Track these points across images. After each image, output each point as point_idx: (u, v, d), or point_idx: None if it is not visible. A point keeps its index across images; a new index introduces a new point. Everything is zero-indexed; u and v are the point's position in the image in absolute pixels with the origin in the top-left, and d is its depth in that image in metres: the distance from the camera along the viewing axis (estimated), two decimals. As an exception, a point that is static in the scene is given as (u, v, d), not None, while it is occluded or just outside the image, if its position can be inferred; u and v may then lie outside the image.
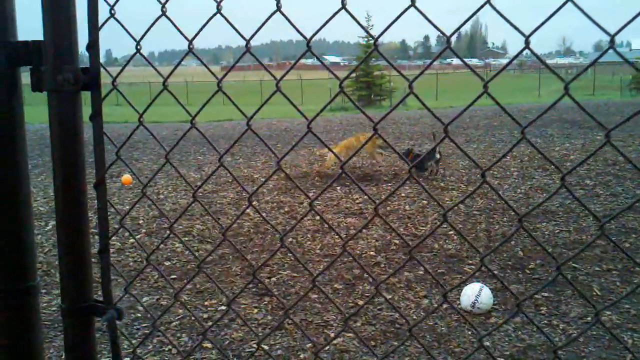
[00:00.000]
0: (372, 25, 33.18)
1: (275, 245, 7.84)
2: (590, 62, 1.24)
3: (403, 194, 10.38)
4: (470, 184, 11.09)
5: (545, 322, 5.46)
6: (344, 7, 1.23)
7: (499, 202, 9.75)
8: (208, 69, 1.81)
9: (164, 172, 12.94)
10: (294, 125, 22.18)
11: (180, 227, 8.75)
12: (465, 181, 11.34)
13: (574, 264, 6.87)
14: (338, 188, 10.95)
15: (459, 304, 5.79)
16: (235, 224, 8.74)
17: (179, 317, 5.81)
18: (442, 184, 11.20)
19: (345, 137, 17.01)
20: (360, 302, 5.94)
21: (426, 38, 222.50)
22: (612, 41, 1.05)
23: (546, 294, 6.07)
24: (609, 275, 6.60)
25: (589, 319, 5.49)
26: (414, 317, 5.67)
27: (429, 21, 1.21)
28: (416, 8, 1.14)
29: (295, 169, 13.03)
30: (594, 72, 44.04)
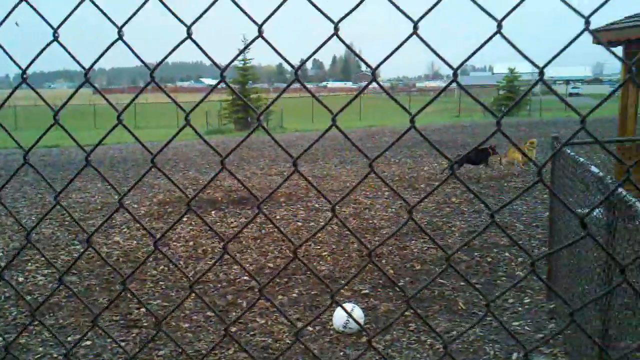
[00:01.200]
0: (249, 49, 33.26)
1: (146, 274, 7.59)
2: (438, 93, 1.28)
3: (278, 216, 10.40)
4: (344, 205, 11.28)
5: (414, 338, 5.61)
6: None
7: (371, 221, 9.98)
8: (42, 98, 1.72)
9: (28, 200, 12.26)
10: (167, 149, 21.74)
11: (42, 258, 8.28)
12: (340, 203, 11.52)
13: (440, 280, 7.12)
14: (213, 212, 10.80)
15: (332, 325, 5.84)
16: (104, 252, 8.38)
17: (38, 356, 5.46)
18: (316, 205, 11.32)
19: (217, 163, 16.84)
20: (234, 329, 5.85)
21: (302, 61, 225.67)
22: (455, 71, 1.08)
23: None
24: (472, 289, 6.89)
25: (455, 332, 5.69)
26: (287, 341, 5.65)
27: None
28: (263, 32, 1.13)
29: (170, 194, 12.73)
30: (460, 94, 46.37)
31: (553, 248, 6.69)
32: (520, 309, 6.21)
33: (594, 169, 4.63)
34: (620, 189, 3.74)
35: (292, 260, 1.52)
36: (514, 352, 5.20)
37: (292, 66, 1.13)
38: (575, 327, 4.82)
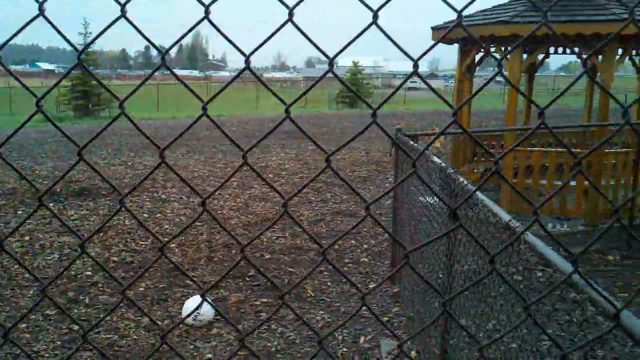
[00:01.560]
0: (90, 33, 31.71)
1: (-24, 272, 7.00)
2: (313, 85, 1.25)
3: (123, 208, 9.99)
4: (191, 195, 11.07)
5: (265, 327, 5.63)
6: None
7: (220, 212, 9.88)
8: None
9: None
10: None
11: None
12: (187, 192, 11.30)
13: (290, 269, 7.20)
14: (51, 204, 10.18)
15: (181, 317, 5.71)
16: None
17: None
18: (163, 195, 11.02)
19: (49, 151, 15.97)
20: (76, 327, 5.55)
21: (147, 48, 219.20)
22: (331, 63, 1.06)
23: (265, 300, 6.27)
24: (321, 277, 7.03)
25: (305, 319, 5.77)
26: (134, 337, 5.45)
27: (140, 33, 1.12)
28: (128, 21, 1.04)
29: (2, 185, 11.83)
30: (306, 85, 47.19)
31: (396, 234, 6.98)
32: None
33: (435, 159, 4.88)
34: (461, 178, 3.96)
35: (159, 257, 1.45)
36: (362, 337, 5.38)
37: (159, 50, 1.06)
38: (418, 310, 5.06)
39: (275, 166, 14.43)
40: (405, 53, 1.10)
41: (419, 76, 1.05)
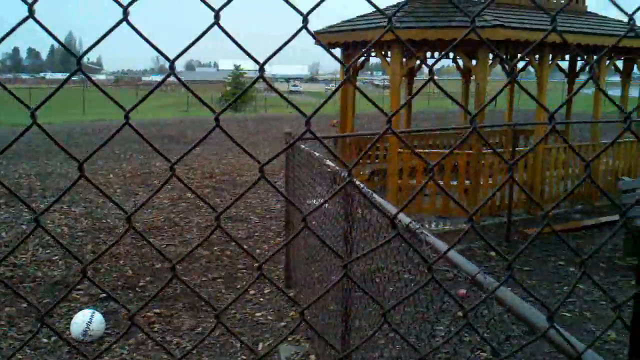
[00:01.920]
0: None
1: None
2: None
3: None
4: (73, 203, 10.59)
5: (160, 339, 5.48)
6: None
7: (104, 221, 9.52)
8: None
9: None
10: None
11: None
12: (68, 202, 10.79)
13: (182, 277, 7.05)
14: None
15: (70, 334, 5.45)
16: None
17: None
18: (42, 205, 10.47)
19: None
20: (-49, 350, 5.16)
21: (16, 50, 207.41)
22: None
23: (158, 310, 6.10)
24: (215, 283, 6.94)
25: (200, 329, 5.68)
26: (19, 356, 5.14)
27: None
28: None
29: None
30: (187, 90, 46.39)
31: (289, 238, 7.00)
32: (262, 299, 6.42)
33: (329, 162, 4.94)
34: (356, 181, 4.04)
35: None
36: (260, 343, 5.36)
37: (73, 54, 1.00)
38: (316, 313, 5.11)
39: (161, 172, 14.09)
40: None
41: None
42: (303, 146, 6.09)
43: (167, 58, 0.99)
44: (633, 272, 7.17)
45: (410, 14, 9.40)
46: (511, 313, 1.72)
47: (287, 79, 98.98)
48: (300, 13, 0.98)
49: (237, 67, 47.24)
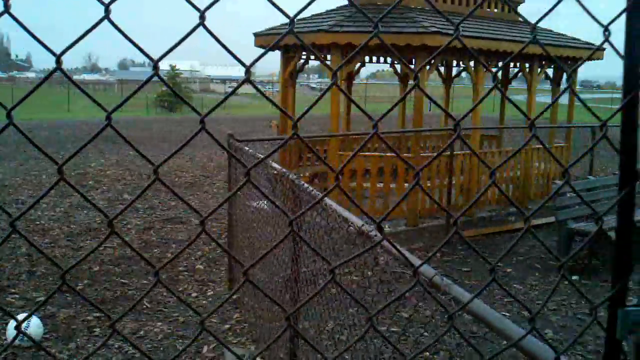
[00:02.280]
0: None
1: None
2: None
3: None
4: (5, 204, 10.23)
5: (101, 343, 5.37)
6: None
7: (38, 222, 9.25)
8: None
9: None
10: None
11: None
12: (-2, 203, 10.42)
13: (122, 280, 6.94)
14: None
15: (6, 339, 5.28)
16: None
17: None
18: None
19: None
20: None
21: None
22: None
23: (98, 314, 5.98)
24: (156, 286, 6.84)
25: (142, 332, 5.60)
26: (-49, 363, 4.95)
27: None
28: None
29: None
30: (122, 89, 45.52)
31: (232, 238, 6.97)
32: (204, 301, 6.37)
33: (275, 165, 4.97)
34: (304, 183, 4.08)
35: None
36: (205, 346, 5.32)
37: (52, 52, 0.98)
38: (260, 315, 5.11)
39: (95, 172, 13.79)
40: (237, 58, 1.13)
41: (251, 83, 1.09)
42: (247, 148, 6.09)
43: (150, 58, 1.00)
44: (568, 272, 7.45)
45: (349, 18, 9.51)
46: (488, 326, 1.79)
47: (224, 80, 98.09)
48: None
49: (172, 68, 46.52)
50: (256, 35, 11.57)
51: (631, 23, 1.00)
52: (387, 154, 9.73)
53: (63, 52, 0.94)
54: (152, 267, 1.08)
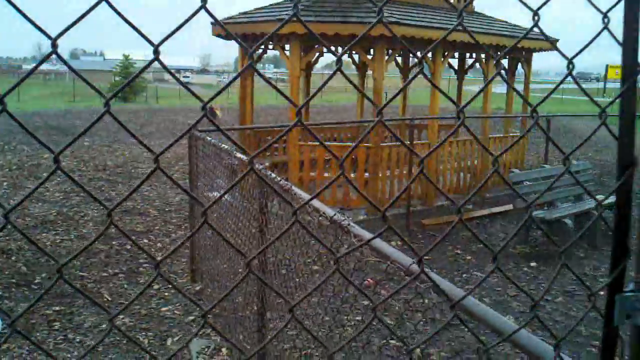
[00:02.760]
0: None
1: None
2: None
3: None
4: (-46, 198, 9.96)
5: (62, 337, 5.28)
6: None
7: (-9, 216, 9.00)
8: None
9: None
10: None
11: None
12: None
13: (81, 273, 6.82)
14: None
15: (-39, 335, 5.15)
16: None
17: None
18: None
19: None
20: None
21: None
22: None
23: (57, 308, 5.87)
24: (116, 279, 6.75)
25: (104, 326, 5.52)
26: None
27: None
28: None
29: None
30: (75, 80, 44.52)
31: (194, 228, 6.90)
32: (167, 294, 6.30)
33: (239, 154, 4.93)
34: (271, 174, 4.06)
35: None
36: (169, 338, 5.28)
37: (48, 36, 0.95)
38: (224, 307, 5.09)
39: (50, 164, 13.48)
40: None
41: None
42: (210, 138, 6.04)
43: (151, 43, 0.98)
44: (523, 260, 7.62)
45: (308, 8, 9.48)
46: (478, 321, 1.81)
47: (178, 70, 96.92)
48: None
49: (126, 57, 45.73)
50: (213, 24, 11.45)
51: (629, 9, 1.02)
52: (347, 144, 9.72)
53: (59, 35, 0.91)
54: (152, 260, 1.06)
